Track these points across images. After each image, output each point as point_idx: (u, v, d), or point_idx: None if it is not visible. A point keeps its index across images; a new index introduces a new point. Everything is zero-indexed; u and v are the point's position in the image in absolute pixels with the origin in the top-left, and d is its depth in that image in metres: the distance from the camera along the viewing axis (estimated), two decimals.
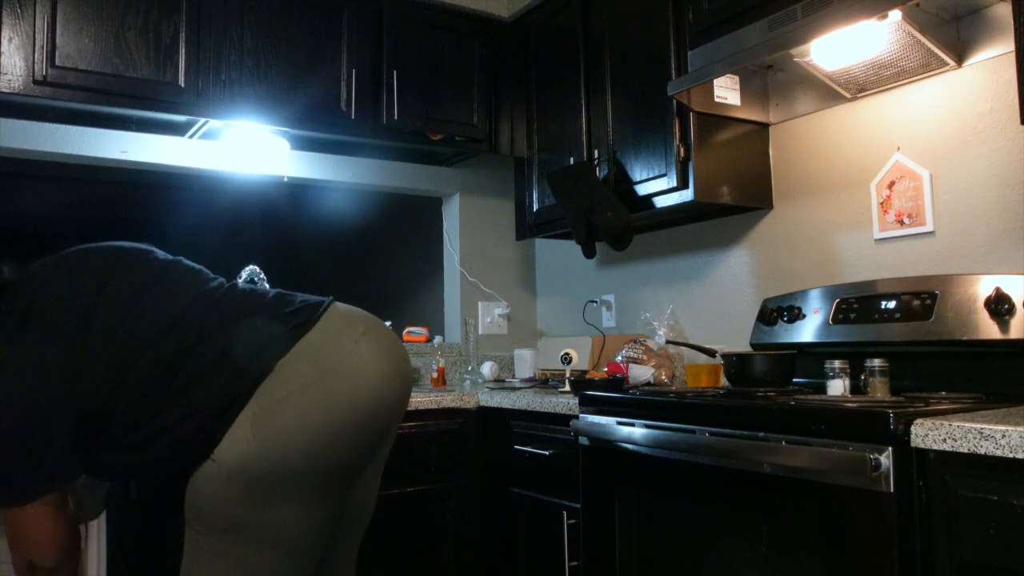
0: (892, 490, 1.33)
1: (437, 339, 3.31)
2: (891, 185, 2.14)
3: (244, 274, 2.75)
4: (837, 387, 1.84)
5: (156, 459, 1.39)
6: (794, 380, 2.11)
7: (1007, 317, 1.74)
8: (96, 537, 1.97)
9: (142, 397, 1.33)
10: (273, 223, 6.11)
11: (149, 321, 1.37)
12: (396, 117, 2.81)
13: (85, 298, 1.35)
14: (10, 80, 2.23)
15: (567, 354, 2.61)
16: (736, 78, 2.28)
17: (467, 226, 3.41)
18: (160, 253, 1.51)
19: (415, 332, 3.26)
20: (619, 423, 1.90)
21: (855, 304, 2.05)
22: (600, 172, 2.62)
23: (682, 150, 2.33)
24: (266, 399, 1.35)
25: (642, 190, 2.47)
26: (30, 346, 1.30)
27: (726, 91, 2.28)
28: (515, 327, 3.46)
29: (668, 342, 2.60)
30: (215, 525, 1.35)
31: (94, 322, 1.33)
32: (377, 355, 1.46)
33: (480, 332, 3.35)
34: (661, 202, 2.42)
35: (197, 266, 1.53)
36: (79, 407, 1.30)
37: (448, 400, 2.47)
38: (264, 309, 1.46)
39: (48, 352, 1.30)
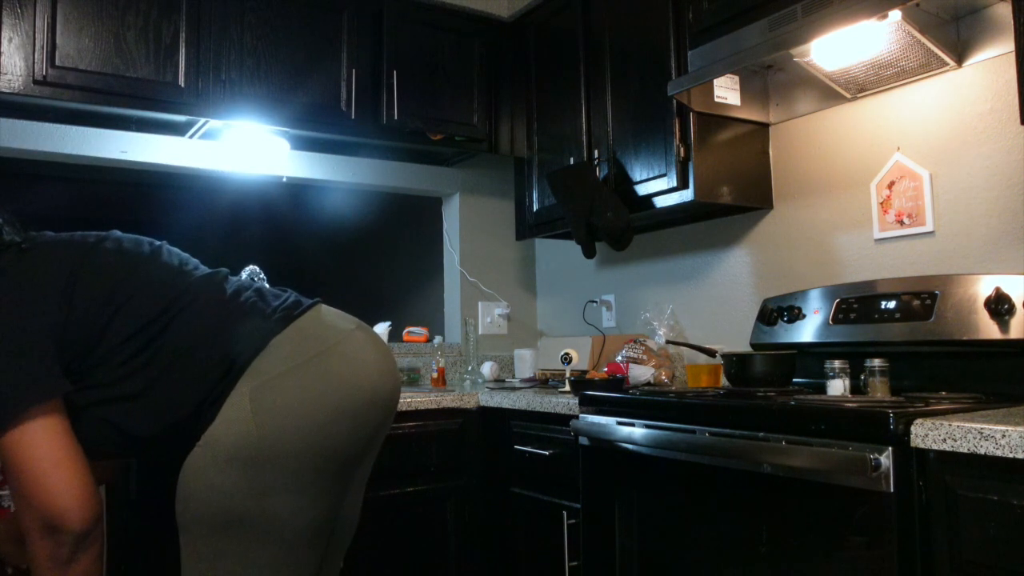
0: (892, 490, 1.34)
1: (437, 339, 3.31)
2: (891, 185, 2.14)
3: (244, 274, 2.75)
4: (837, 387, 1.84)
5: (144, 432, 1.35)
6: (794, 380, 2.11)
7: (1007, 317, 1.74)
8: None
9: (128, 340, 1.31)
10: (273, 223, 6.11)
11: (139, 278, 1.38)
12: (396, 117, 2.81)
13: (79, 249, 1.37)
14: (10, 80, 2.24)
15: (567, 354, 2.61)
16: (736, 78, 2.28)
17: (467, 226, 3.41)
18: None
19: (415, 332, 3.26)
20: (619, 423, 1.90)
21: (855, 304, 2.05)
22: (600, 172, 2.62)
23: (682, 150, 2.33)
24: (263, 374, 1.32)
25: (642, 190, 2.47)
26: (26, 266, 1.31)
27: (726, 91, 2.28)
28: (515, 327, 3.46)
29: (668, 342, 2.60)
30: (213, 523, 1.30)
31: (83, 272, 1.33)
32: (372, 346, 1.46)
33: (480, 332, 3.35)
34: (661, 202, 2.42)
35: (186, 254, 1.54)
36: (63, 329, 1.28)
37: (448, 400, 2.47)
38: (256, 293, 1.46)
39: (39, 277, 1.31)
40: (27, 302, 1.28)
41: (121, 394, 1.32)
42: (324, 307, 1.50)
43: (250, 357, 1.34)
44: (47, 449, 1.24)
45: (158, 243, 1.50)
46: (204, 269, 1.50)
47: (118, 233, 1.47)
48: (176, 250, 1.52)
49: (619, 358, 2.56)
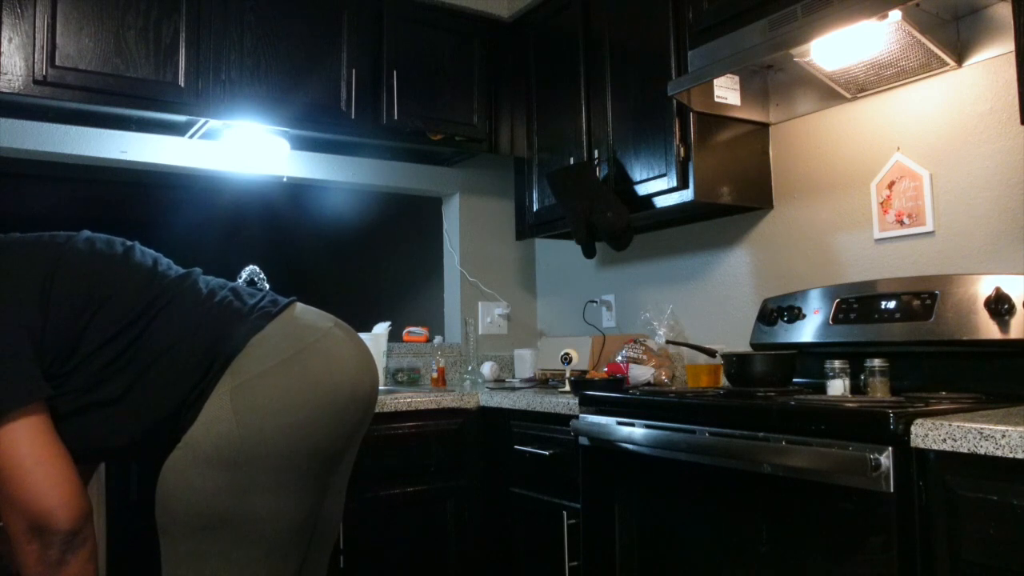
0: (892, 490, 1.34)
1: (437, 339, 3.31)
2: (891, 185, 2.14)
3: (244, 274, 2.75)
4: (837, 387, 1.84)
5: (123, 436, 1.33)
6: (794, 380, 2.11)
7: (1007, 317, 1.74)
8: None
9: (106, 344, 1.30)
10: (273, 223, 6.11)
11: (115, 280, 1.36)
12: (396, 117, 2.81)
13: (51, 250, 1.35)
14: (10, 80, 2.23)
15: (567, 354, 2.61)
16: (736, 78, 2.28)
17: (467, 226, 3.41)
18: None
19: (415, 332, 3.26)
20: (619, 423, 1.90)
21: (855, 304, 2.05)
22: (600, 172, 2.62)
23: (682, 150, 2.33)
24: (244, 374, 1.31)
25: (642, 190, 2.47)
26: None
27: (726, 91, 2.28)
28: (515, 327, 3.46)
29: (668, 342, 2.59)
30: (194, 524, 1.28)
31: (57, 275, 1.31)
32: (351, 343, 1.46)
33: (480, 332, 3.35)
34: (661, 202, 2.42)
35: (158, 253, 1.53)
36: (41, 333, 1.26)
37: (448, 400, 2.47)
38: (231, 292, 1.46)
39: (14, 280, 1.29)
40: (3, 305, 1.26)
41: (99, 399, 1.31)
42: (300, 305, 1.50)
43: (230, 356, 1.33)
44: (29, 448, 1.22)
45: (129, 243, 1.48)
46: (177, 269, 1.48)
47: (88, 233, 1.45)
48: (148, 250, 1.50)
49: (619, 358, 2.56)
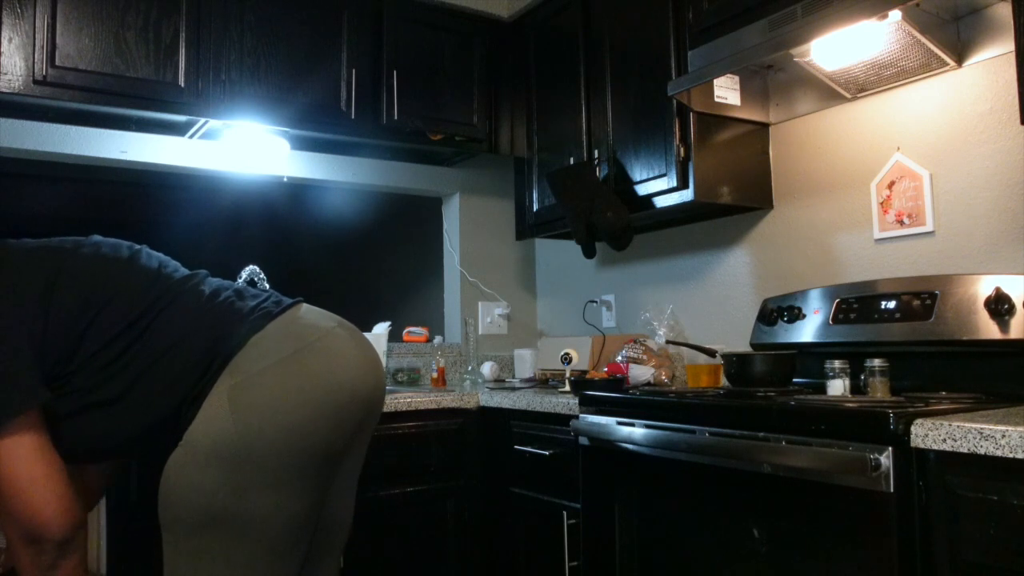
0: (892, 490, 1.34)
1: (437, 339, 3.31)
2: (891, 185, 2.14)
3: (244, 274, 2.75)
4: (837, 387, 1.84)
5: (124, 435, 1.35)
6: (794, 380, 2.10)
7: (1007, 317, 1.74)
8: (96, 537, 1.97)
9: (107, 344, 1.31)
10: (273, 223, 6.11)
11: (117, 282, 1.37)
12: (396, 117, 2.81)
13: (56, 255, 1.37)
14: (10, 80, 2.23)
15: (567, 354, 2.61)
16: (736, 78, 2.28)
17: (467, 226, 3.41)
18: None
19: (415, 332, 3.26)
20: (619, 423, 1.90)
21: (855, 304, 2.05)
22: (600, 172, 2.62)
23: (682, 150, 2.33)
24: (242, 373, 1.32)
25: (642, 190, 2.47)
26: (2, 275, 1.31)
27: (726, 91, 2.28)
28: (515, 327, 3.46)
29: (668, 342, 2.60)
30: (194, 522, 1.30)
31: (60, 278, 1.33)
32: (353, 343, 1.46)
33: (480, 332, 3.35)
34: (661, 202, 2.42)
35: (166, 256, 1.54)
36: (42, 336, 1.28)
37: (448, 400, 2.47)
38: (235, 293, 1.47)
39: (17, 286, 1.31)
40: (5, 312, 1.28)
41: (101, 399, 1.32)
42: (305, 305, 1.50)
43: (229, 355, 1.34)
44: (24, 464, 1.26)
45: (137, 246, 1.50)
46: (183, 271, 1.50)
47: (97, 237, 1.47)
48: (156, 253, 1.52)
49: (619, 358, 2.56)
